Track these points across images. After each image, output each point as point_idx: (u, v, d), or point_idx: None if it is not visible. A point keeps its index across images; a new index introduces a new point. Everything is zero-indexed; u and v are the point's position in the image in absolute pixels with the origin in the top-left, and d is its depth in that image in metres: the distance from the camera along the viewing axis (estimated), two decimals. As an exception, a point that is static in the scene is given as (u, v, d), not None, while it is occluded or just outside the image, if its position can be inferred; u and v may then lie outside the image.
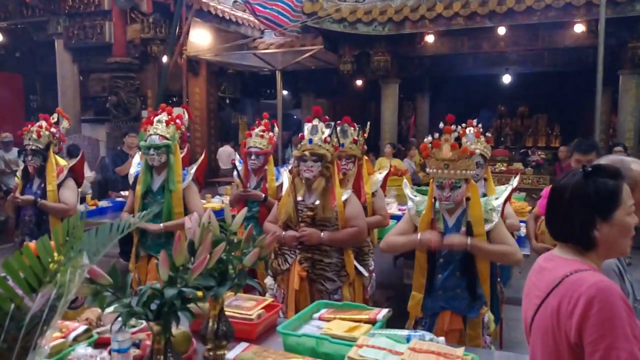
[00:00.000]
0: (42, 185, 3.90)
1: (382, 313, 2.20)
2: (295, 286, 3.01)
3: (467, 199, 2.70)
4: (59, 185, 3.92)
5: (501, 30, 8.83)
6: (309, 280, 3.04)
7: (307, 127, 3.14)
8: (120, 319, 1.69)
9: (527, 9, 8.02)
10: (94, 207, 5.51)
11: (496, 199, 2.87)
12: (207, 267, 1.78)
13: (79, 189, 4.27)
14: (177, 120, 3.50)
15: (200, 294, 1.72)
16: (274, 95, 12.11)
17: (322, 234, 2.99)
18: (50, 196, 3.86)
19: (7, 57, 12.69)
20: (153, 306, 1.67)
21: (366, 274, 3.43)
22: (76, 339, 1.97)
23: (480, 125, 3.89)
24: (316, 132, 3.10)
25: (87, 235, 1.23)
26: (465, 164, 2.61)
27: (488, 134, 3.91)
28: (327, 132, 3.11)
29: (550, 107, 13.41)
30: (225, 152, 11.27)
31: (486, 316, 2.71)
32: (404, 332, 1.83)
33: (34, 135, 3.83)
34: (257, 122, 4.26)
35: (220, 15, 10.67)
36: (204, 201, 5.89)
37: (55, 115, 4.00)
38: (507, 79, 12.61)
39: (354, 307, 2.39)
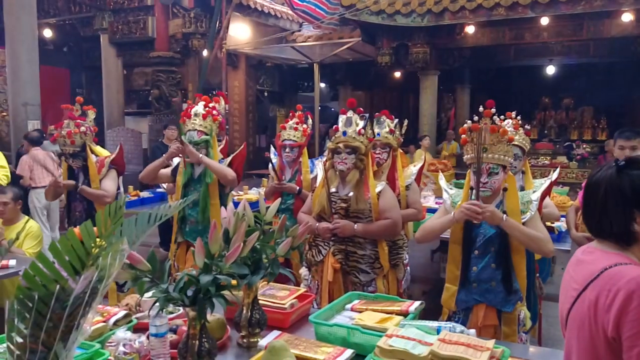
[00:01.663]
0: (86, 182, 3.96)
1: (415, 305, 2.21)
2: (329, 278, 3.04)
3: (504, 189, 2.67)
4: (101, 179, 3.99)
5: (544, 21, 8.62)
6: (343, 272, 3.06)
7: (341, 119, 3.15)
8: (157, 304, 1.76)
9: (572, -3, 7.81)
10: (135, 198, 5.68)
11: (534, 192, 2.83)
12: (241, 256, 1.83)
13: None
14: (214, 112, 3.56)
15: (234, 282, 1.78)
16: (311, 88, 12.15)
17: (356, 226, 3.01)
18: (93, 186, 3.95)
19: (55, 52, 13.13)
20: (189, 293, 1.73)
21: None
22: (116, 323, 2.06)
23: (519, 117, 3.83)
24: (350, 124, 3.11)
25: (128, 222, 1.29)
26: (503, 148, 2.58)
27: (527, 126, 3.84)
28: (362, 124, 3.11)
29: (596, 99, 13.00)
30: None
31: (522, 312, 2.65)
32: (434, 324, 1.84)
33: (67, 141, 3.83)
34: (291, 114, 4.30)
35: (260, 9, 10.77)
36: (241, 192, 6.00)
37: (77, 107, 3.96)
38: (551, 70, 12.30)
39: (387, 299, 2.41)
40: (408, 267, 4.17)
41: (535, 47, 10.35)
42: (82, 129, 3.88)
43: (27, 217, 4.13)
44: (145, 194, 5.90)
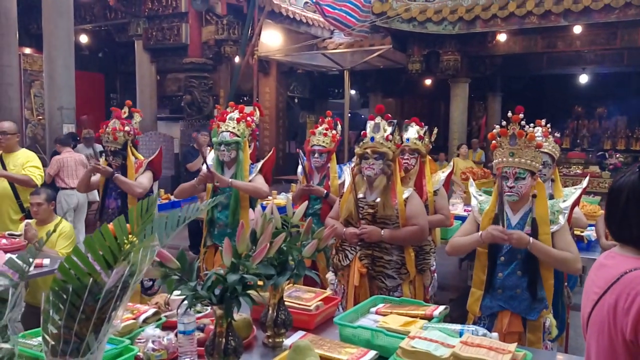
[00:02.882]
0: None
1: (439, 309, 2.21)
2: (355, 282, 3.05)
3: (534, 196, 2.65)
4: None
5: (577, 29, 8.50)
6: (369, 277, 3.07)
7: (369, 124, 3.17)
8: (186, 302, 1.81)
9: (605, 6, 7.67)
10: (166, 201, 5.79)
11: (564, 201, 2.81)
12: (267, 256, 1.87)
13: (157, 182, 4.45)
14: (248, 118, 3.63)
15: (260, 282, 1.81)
16: (342, 95, 12.19)
17: (383, 231, 3.01)
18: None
19: (91, 57, 13.50)
20: (217, 291, 1.77)
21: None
22: (146, 321, 2.11)
23: (549, 125, 3.79)
24: (378, 129, 3.12)
25: (158, 221, 1.34)
26: (531, 154, 2.57)
27: (557, 134, 3.80)
28: (390, 130, 3.12)
29: (630, 109, 12.72)
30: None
31: (548, 320, 2.63)
32: (457, 327, 1.84)
33: (111, 137, 3.95)
34: (320, 120, 4.33)
35: (291, 16, 10.88)
36: (270, 197, 6.05)
37: (125, 109, 4.10)
38: (584, 79, 12.10)
39: (411, 302, 2.41)
40: (435, 274, 4.16)
41: (568, 55, 10.19)
42: (127, 128, 4.01)
43: (59, 217, 4.24)
44: (174, 198, 5.99)
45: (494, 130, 2.71)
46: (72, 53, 8.12)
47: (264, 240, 1.79)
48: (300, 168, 4.44)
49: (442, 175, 4.14)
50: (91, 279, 1.15)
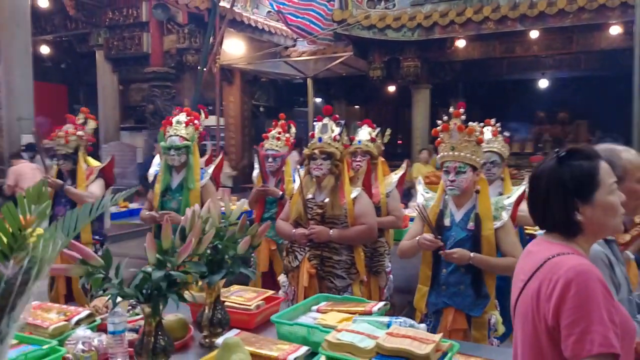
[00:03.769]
0: (73, 186, 3.99)
1: (378, 306, 2.22)
2: (305, 283, 3.03)
3: (477, 192, 2.69)
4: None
5: (534, 34, 8.71)
6: (319, 278, 3.05)
7: (317, 125, 3.18)
8: (116, 305, 1.78)
9: (560, 11, 7.88)
10: (124, 209, 5.70)
11: (508, 197, 2.85)
12: (198, 253, 1.84)
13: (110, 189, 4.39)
14: (196, 121, 3.60)
15: (189, 279, 1.78)
16: (306, 103, 12.22)
17: (331, 231, 3.01)
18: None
19: (53, 69, 13.27)
20: (149, 290, 1.75)
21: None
22: (78, 323, 2.06)
23: (498, 124, 3.86)
24: (326, 130, 3.13)
25: (70, 213, 1.31)
26: (471, 148, 2.61)
27: (506, 133, 3.87)
28: (337, 130, 3.14)
29: (590, 113, 13.04)
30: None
31: (493, 317, 2.64)
32: (386, 319, 1.84)
33: (62, 141, 3.89)
34: (274, 123, 4.33)
35: (253, 25, 10.90)
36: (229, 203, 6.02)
37: (80, 116, 4.05)
38: (544, 83, 12.38)
39: (353, 300, 2.41)
40: (391, 275, 4.18)
41: (527, 60, 10.42)
42: (80, 133, 3.95)
43: None
44: (134, 206, 5.93)
45: (438, 128, 2.75)
46: (29, 63, 7.99)
47: (191, 236, 1.77)
48: (255, 172, 4.43)
49: (394, 177, 4.16)
50: (-13, 272, 1.11)
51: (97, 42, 10.89)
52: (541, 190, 1.49)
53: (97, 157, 4.15)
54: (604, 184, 1.43)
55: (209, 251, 2.03)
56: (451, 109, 2.72)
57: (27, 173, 6.49)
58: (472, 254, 2.54)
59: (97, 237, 3.87)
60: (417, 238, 2.66)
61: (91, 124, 4.10)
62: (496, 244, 2.63)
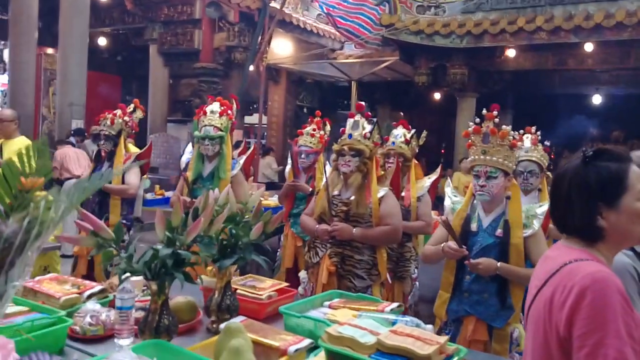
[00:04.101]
0: (110, 168, 4.11)
1: (391, 306, 2.15)
2: (323, 280, 2.99)
3: (508, 198, 2.59)
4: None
5: (588, 47, 8.37)
6: (338, 276, 3.01)
7: (348, 122, 3.14)
8: (124, 279, 1.79)
9: (617, 24, 7.56)
10: (160, 197, 5.81)
11: (540, 206, 2.73)
12: (208, 234, 1.84)
13: (145, 176, 4.51)
14: (229, 111, 3.63)
15: (193, 258, 1.77)
16: (350, 106, 12.19)
17: (354, 230, 2.95)
18: (114, 180, 4.09)
19: (109, 60, 13.75)
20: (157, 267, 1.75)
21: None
22: (90, 297, 2.09)
23: (539, 133, 3.73)
24: (357, 127, 3.09)
25: (79, 182, 1.32)
26: (504, 152, 2.51)
27: (547, 143, 3.73)
28: (368, 128, 3.09)
29: (646, 133, 12.48)
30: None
31: (516, 330, 2.52)
32: (392, 317, 1.79)
33: (108, 122, 4.06)
34: (309, 120, 4.32)
35: (302, 26, 10.97)
36: (261, 198, 6.06)
37: (131, 106, 4.23)
38: (597, 99, 11.91)
39: (367, 299, 2.36)
40: (417, 282, 4.09)
41: (581, 74, 10.06)
42: (127, 118, 4.13)
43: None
44: (170, 194, 6.03)
45: (469, 129, 2.67)
46: (85, 51, 8.29)
47: (203, 216, 1.77)
48: (287, 167, 4.43)
49: (427, 181, 4.08)
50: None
51: (152, 36, 11.19)
52: (563, 191, 1.40)
53: (142, 145, 4.32)
54: (633, 189, 1.32)
55: (222, 236, 2.03)
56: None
57: (70, 154, 6.71)
58: (499, 264, 2.45)
59: (125, 221, 3.96)
60: (442, 245, 2.58)
61: (138, 113, 4.26)
62: (525, 253, 2.53)
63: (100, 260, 3.31)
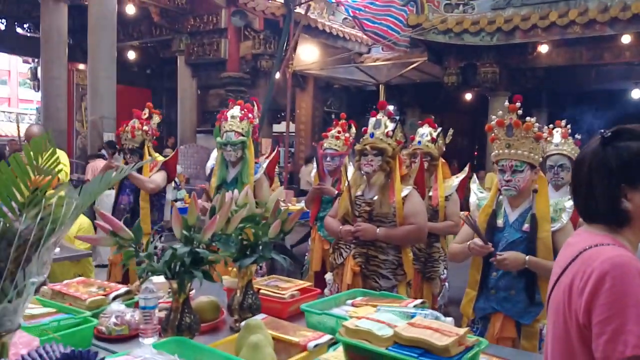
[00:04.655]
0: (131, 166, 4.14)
1: (415, 303, 2.12)
2: (348, 281, 2.97)
3: (535, 191, 2.53)
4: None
5: (625, 39, 8.08)
6: (363, 276, 2.98)
7: (370, 121, 3.12)
8: (146, 279, 1.81)
9: (656, 14, 7.30)
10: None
11: (569, 199, 2.65)
12: (225, 232, 1.85)
13: (172, 183, 4.53)
14: (250, 115, 3.64)
15: (211, 257, 1.78)
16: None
17: (378, 230, 2.92)
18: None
19: (138, 73, 14.04)
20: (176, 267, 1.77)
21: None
22: (116, 298, 2.13)
23: (569, 126, 3.64)
24: (379, 126, 3.06)
25: (94, 179, 1.34)
26: (529, 145, 2.45)
27: (577, 136, 3.63)
28: (391, 126, 3.06)
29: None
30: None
31: (546, 327, 2.47)
32: (411, 310, 1.76)
33: (129, 136, 4.08)
34: (334, 122, 4.31)
35: (328, 30, 10.98)
36: (289, 204, 6.07)
37: (146, 111, 4.22)
38: (637, 94, 11.53)
39: (390, 296, 2.33)
40: (446, 283, 4.03)
41: (618, 68, 9.76)
42: (145, 127, 4.13)
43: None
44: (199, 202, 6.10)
45: (492, 122, 2.62)
46: (114, 65, 8.47)
47: (219, 215, 1.78)
48: (313, 171, 4.43)
49: (455, 180, 4.02)
50: (1, 222, 1.16)
51: (179, 47, 11.38)
52: (584, 176, 1.35)
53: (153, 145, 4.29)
54: None
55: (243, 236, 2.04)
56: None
57: (101, 167, 6.85)
58: (527, 258, 2.38)
59: (156, 227, 4.01)
60: (468, 243, 2.53)
61: (155, 119, 4.27)
62: (554, 248, 2.46)
63: (134, 267, 3.36)
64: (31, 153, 1.09)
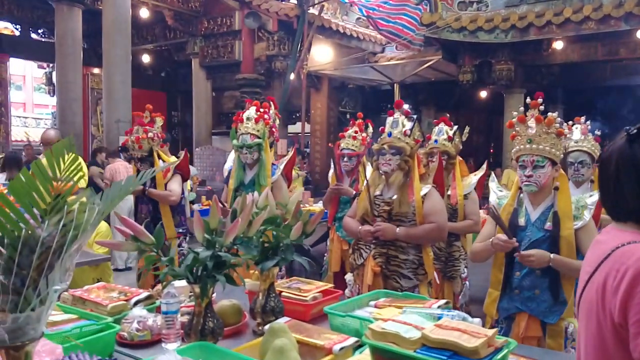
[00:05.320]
0: (152, 185, 4.12)
1: (439, 303, 2.08)
2: (369, 281, 2.95)
3: (556, 188, 2.48)
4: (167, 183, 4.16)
5: (640, 34, 8.02)
6: (384, 277, 2.95)
7: (388, 120, 3.09)
8: (168, 284, 1.80)
9: (672, 8, 7.20)
10: (207, 207, 5.89)
11: (590, 196, 2.60)
12: (247, 235, 1.83)
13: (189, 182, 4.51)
14: (265, 116, 3.62)
15: (234, 261, 1.76)
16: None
17: (398, 229, 2.90)
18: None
19: (153, 77, 14.13)
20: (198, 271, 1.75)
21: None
22: (137, 304, 2.12)
23: (588, 122, 3.59)
24: (397, 125, 3.04)
25: (114, 184, 1.33)
26: (550, 140, 2.41)
27: (597, 132, 3.57)
28: (409, 125, 3.03)
29: None
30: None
31: (571, 325, 2.41)
32: (437, 312, 1.72)
33: (136, 146, 4.05)
34: (351, 122, 4.29)
35: (342, 31, 10.95)
36: (307, 205, 6.06)
37: (146, 114, 4.14)
38: (652, 90, 11.34)
39: (413, 297, 2.30)
40: (467, 282, 3.99)
41: (634, 64, 9.62)
42: (150, 134, 4.07)
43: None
44: (216, 204, 6.12)
45: (512, 119, 2.57)
46: (129, 69, 8.52)
47: (241, 217, 1.76)
48: (330, 172, 4.41)
49: (473, 178, 3.97)
50: (24, 230, 1.15)
51: (193, 50, 11.42)
52: (611, 174, 1.31)
53: (190, 159, 4.25)
54: None
55: (263, 238, 2.02)
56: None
57: (121, 170, 6.89)
58: (552, 256, 2.34)
59: (180, 230, 4.00)
60: (491, 239, 2.48)
61: (158, 121, 4.22)
62: (577, 246, 2.41)
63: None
64: (53, 159, 1.08)
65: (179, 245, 4.13)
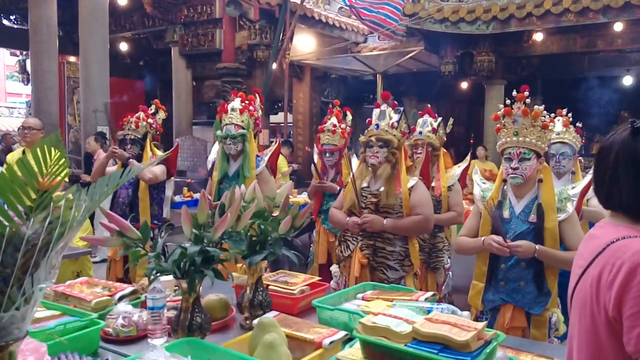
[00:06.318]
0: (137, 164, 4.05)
1: (426, 296, 2.09)
2: (356, 273, 2.95)
3: (540, 181, 2.50)
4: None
5: (618, 27, 8.15)
6: (371, 268, 2.96)
7: (375, 112, 3.08)
8: (155, 279, 1.77)
9: (648, 1, 7.30)
10: (189, 199, 5.84)
11: (573, 187, 2.63)
12: (236, 230, 1.80)
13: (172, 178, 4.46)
14: (250, 107, 3.58)
15: (222, 256, 1.74)
16: (376, 100, 12.07)
17: (385, 221, 2.90)
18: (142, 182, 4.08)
19: (132, 65, 13.88)
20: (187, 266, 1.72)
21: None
22: (122, 299, 2.08)
23: (570, 114, 3.62)
24: (384, 117, 3.03)
25: (101, 179, 1.29)
26: (536, 133, 2.43)
27: (578, 124, 3.61)
28: (395, 117, 3.03)
29: (682, 113, 12.04)
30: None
31: (554, 315, 2.46)
32: (427, 305, 1.73)
33: (133, 126, 4.01)
34: (329, 111, 4.27)
35: (324, 20, 10.86)
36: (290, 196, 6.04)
37: (152, 107, 4.17)
38: (628, 80, 11.57)
39: (401, 289, 2.30)
40: (450, 272, 4.02)
41: (611, 55, 9.77)
42: (150, 120, 4.07)
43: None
44: (198, 196, 6.06)
45: (499, 112, 2.58)
46: (106, 57, 8.35)
47: (229, 211, 1.73)
48: (313, 166, 4.39)
49: (457, 170, 3.99)
50: (8, 228, 1.11)
51: (173, 38, 11.21)
52: (609, 165, 1.31)
53: (169, 149, 4.22)
54: None
55: (251, 232, 2.00)
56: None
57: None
58: (537, 247, 2.37)
59: (156, 221, 3.95)
60: (483, 239, 2.49)
61: (161, 114, 4.21)
62: (560, 237, 2.44)
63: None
64: (39, 155, 1.04)
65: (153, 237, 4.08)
